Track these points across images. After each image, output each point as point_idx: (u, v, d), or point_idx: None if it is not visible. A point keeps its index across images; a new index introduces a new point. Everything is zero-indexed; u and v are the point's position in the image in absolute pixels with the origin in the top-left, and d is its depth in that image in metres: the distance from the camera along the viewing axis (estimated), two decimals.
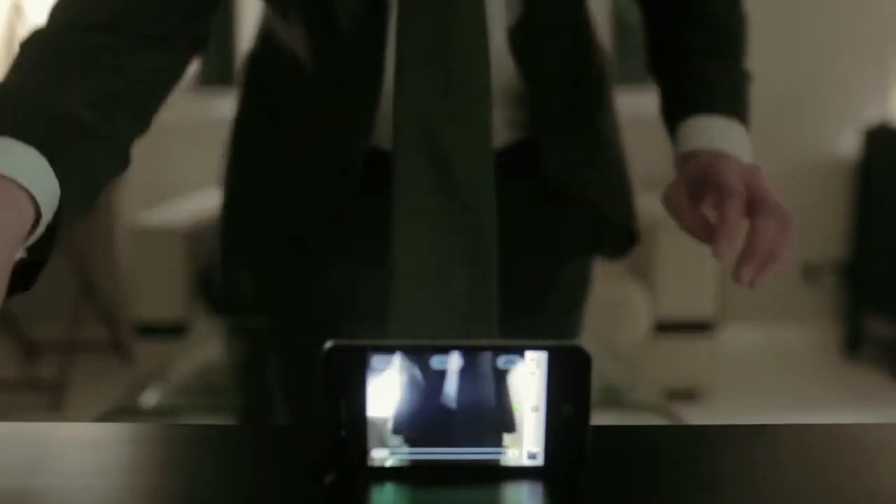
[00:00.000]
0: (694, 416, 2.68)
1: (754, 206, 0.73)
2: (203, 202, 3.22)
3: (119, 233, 3.45)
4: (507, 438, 0.57)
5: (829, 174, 3.63)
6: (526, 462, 0.57)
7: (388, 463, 0.57)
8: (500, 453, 0.57)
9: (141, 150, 0.80)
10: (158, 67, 0.78)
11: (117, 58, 0.74)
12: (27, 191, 0.61)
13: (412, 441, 0.57)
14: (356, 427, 0.56)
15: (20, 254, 0.62)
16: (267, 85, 1.00)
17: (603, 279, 3.21)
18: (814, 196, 3.65)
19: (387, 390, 0.56)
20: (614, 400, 2.03)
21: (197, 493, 0.56)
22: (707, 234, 0.76)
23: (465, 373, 0.56)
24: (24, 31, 3.16)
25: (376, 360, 0.56)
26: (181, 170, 3.60)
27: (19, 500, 0.53)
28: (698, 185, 0.78)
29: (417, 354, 0.56)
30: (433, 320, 0.87)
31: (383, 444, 0.57)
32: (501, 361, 0.56)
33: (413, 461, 0.57)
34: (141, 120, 0.77)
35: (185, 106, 3.72)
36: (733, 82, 0.91)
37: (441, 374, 0.56)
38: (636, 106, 3.69)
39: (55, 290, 3.41)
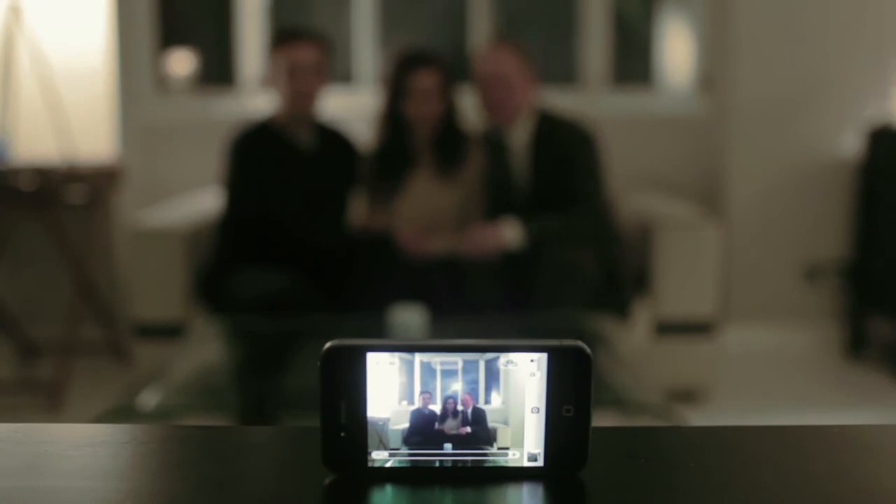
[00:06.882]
0: (694, 416, 2.67)
1: None
2: (202, 202, 3.22)
3: (118, 233, 3.45)
4: (507, 440, 0.57)
5: (831, 175, 3.63)
6: (526, 463, 0.57)
7: (389, 464, 0.56)
8: (500, 455, 0.57)
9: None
10: None
11: None
12: None
13: (412, 442, 0.56)
14: (356, 427, 0.56)
15: None
16: None
17: None
18: (816, 196, 3.65)
19: (387, 390, 0.56)
20: (614, 400, 2.03)
21: (196, 493, 0.55)
22: None
23: (465, 373, 0.56)
24: (22, 33, 3.16)
25: (376, 360, 0.56)
26: (180, 170, 3.60)
27: (18, 501, 0.53)
28: None
29: (418, 354, 0.56)
30: None
31: (383, 445, 0.56)
32: (502, 362, 0.56)
33: (413, 462, 0.57)
34: None
35: (185, 106, 3.72)
36: None
37: (442, 374, 0.56)
38: (636, 106, 3.70)
39: (53, 290, 3.41)
